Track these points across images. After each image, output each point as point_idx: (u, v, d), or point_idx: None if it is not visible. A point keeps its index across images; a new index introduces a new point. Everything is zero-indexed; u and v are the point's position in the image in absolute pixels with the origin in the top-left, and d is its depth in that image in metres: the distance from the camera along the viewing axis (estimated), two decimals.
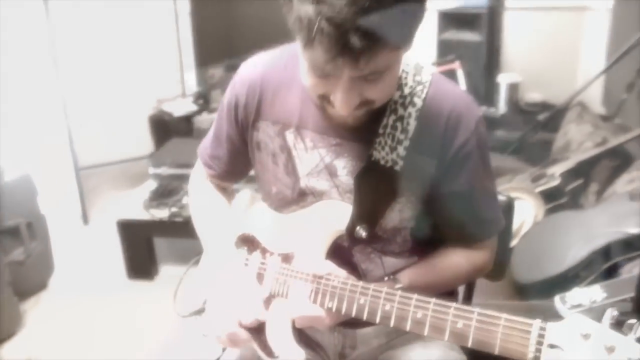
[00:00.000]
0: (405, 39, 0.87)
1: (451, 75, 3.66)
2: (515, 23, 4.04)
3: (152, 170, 3.15)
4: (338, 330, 1.14)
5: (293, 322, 1.04)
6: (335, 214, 1.04)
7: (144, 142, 4.29)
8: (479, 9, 3.85)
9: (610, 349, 0.67)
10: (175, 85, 4.73)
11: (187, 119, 4.24)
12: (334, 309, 0.95)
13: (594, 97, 3.49)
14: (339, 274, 0.98)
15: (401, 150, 1.01)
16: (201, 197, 1.30)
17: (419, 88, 1.03)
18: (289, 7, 0.84)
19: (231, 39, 4.68)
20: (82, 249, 3.32)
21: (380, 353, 1.14)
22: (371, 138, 1.03)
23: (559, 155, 2.69)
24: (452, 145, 1.02)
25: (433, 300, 0.85)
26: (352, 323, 1.08)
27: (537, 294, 1.76)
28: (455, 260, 1.11)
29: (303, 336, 1.09)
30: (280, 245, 1.12)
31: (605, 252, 1.81)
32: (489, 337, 0.78)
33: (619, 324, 0.70)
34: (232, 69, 4.46)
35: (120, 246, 2.94)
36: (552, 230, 2.08)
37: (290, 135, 1.09)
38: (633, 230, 1.78)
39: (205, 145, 1.29)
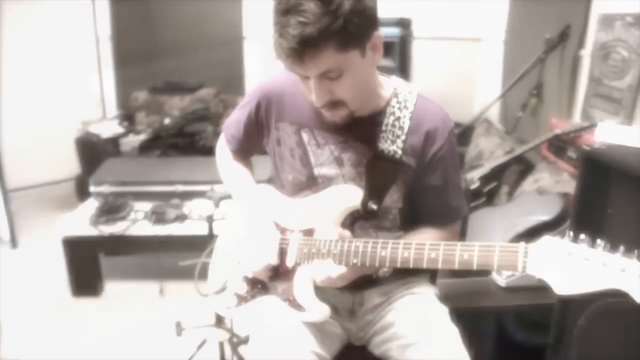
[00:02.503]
0: (341, 45, 1.10)
1: None
2: (423, 51, 4.51)
3: (93, 189, 3.20)
4: (349, 291, 1.38)
5: (314, 284, 1.28)
6: (348, 194, 1.31)
7: (69, 165, 4.27)
8: (392, 38, 4.27)
9: (570, 254, 0.96)
10: (95, 108, 4.77)
11: (114, 141, 4.29)
12: (359, 264, 1.20)
13: (493, 116, 4.00)
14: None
15: (399, 142, 1.30)
16: (228, 166, 1.56)
17: (410, 96, 1.33)
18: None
19: (153, 62, 4.78)
20: (15, 272, 3.27)
21: (382, 309, 1.39)
22: (371, 137, 1.31)
23: (474, 163, 3.11)
24: (430, 150, 1.32)
25: (442, 243, 1.12)
26: (359, 285, 1.34)
27: (475, 274, 2.09)
28: (429, 238, 1.34)
29: (320, 297, 1.31)
30: (300, 223, 1.35)
31: (524, 236, 2.19)
32: (488, 259, 1.05)
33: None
34: (156, 92, 4.57)
35: (66, 263, 2.97)
36: (478, 223, 2.45)
37: (305, 134, 1.35)
38: (544, 217, 2.18)
39: (228, 125, 1.54)
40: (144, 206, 3.08)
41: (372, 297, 1.41)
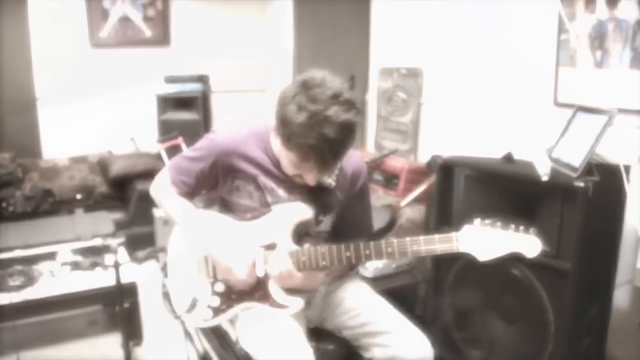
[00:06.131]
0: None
1: (177, 149, 4.29)
2: (220, 103, 4.99)
3: None
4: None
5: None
6: (298, 209, 1.68)
7: None
8: (194, 93, 4.67)
9: (483, 233, 1.46)
10: None
11: None
12: (328, 264, 1.59)
13: None
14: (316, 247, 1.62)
15: (333, 177, 1.69)
16: (174, 200, 1.77)
17: None
18: (288, 130, 1.47)
19: None
20: None
21: (329, 295, 1.79)
22: None
23: None
24: (355, 187, 1.76)
25: (395, 240, 1.54)
26: None
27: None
28: None
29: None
30: (259, 240, 1.68)
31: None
32: (433, 247, 1.50)
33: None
34: None
35: None
36: None
37: (260, 182, 1.69)
38: (381, 225, 2.80)
39: (177, 171, 1.76)
40: None
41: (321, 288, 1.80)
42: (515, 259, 1.78)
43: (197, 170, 1.72)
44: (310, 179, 1.58)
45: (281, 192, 1.70)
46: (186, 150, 1.80)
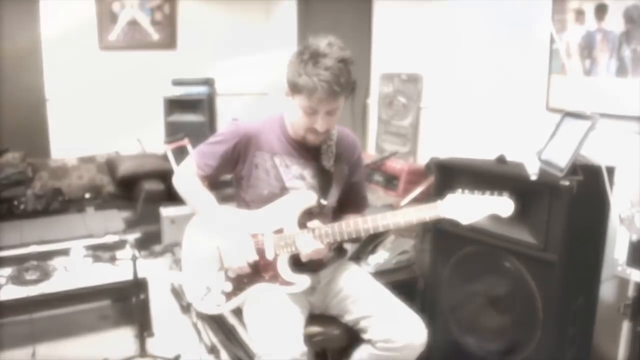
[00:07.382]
0: (347, 91, 1.77)
1: (183, 151, 4.42)
2: (225, 105, 5.13)
3: None
4: (311, 274, 1.89)
5: (291, 266, 1.81)
6: (304, 197, 1.87)
7: None
8: (201, 95, 4.82)
9: (462, 199, 1.63)
10: None
11: None
12: (331, 241, 1.77)
13: None
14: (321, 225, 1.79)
15: (331, 161, 1.92)
16: (198, 190, 1.94)
17: (332, 131, 1.94)
18: (297, 77, 1.70)
19: None
20: None
21: (333, 282, 1.95)
22: (317, 158, 1.91)
23: None
24: (353, 157, 2.00)
25: (388, 213, 1.72)
26: (316, 269, 1.88)
27: None
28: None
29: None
30: (269, 226, 1.85)
31: (369, 239, 2.92)
32: (422, 215, 1.68)
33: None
34: None
35: None
36: None
37: (277, 159, 1.88)
38: None
39: (200, 154, 1.94)
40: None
41: (325, 276, 1.97)
42: (507, 252, 1.95)
43: (222, 151, 1.90)
44: (320, 123, 1.76)
45: (294, 169, 1.89)
46: (209, 139, 1.96)
